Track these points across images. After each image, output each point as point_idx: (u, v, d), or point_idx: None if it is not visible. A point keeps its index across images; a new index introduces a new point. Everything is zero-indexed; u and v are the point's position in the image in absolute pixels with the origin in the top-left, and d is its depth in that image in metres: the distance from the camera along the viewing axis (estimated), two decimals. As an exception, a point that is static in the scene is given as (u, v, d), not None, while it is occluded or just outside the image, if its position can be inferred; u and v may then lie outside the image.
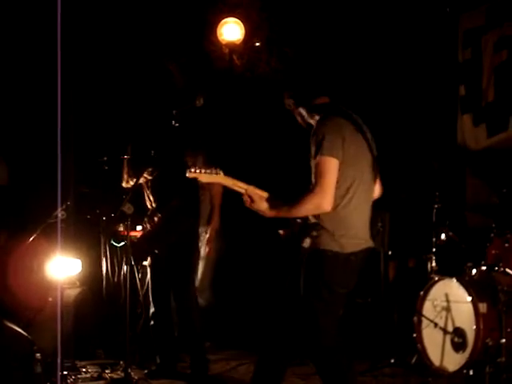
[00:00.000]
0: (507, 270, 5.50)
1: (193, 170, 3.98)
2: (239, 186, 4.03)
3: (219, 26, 7.79)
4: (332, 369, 3.99)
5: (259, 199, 3.98)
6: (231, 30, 7.80)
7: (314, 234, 3.95)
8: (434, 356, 5.61)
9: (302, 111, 4.14)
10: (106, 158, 5.41)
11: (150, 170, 5.64)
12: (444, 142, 7.06)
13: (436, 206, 6.05)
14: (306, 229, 3.99)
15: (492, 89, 6.82)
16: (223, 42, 7.84)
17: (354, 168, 3.93)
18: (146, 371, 5.72)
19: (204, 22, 7.89)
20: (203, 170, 4.00)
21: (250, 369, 5.92)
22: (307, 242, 3.98)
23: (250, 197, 3.99)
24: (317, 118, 4.06)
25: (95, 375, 5.60)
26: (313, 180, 3.89)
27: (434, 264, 5.98)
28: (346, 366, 4.02)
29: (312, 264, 3.94)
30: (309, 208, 3.88)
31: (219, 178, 4.03)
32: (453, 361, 5.45)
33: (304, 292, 3.95)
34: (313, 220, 3.96)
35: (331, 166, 3.83)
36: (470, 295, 5.42)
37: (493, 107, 6.81)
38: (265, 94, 7.47)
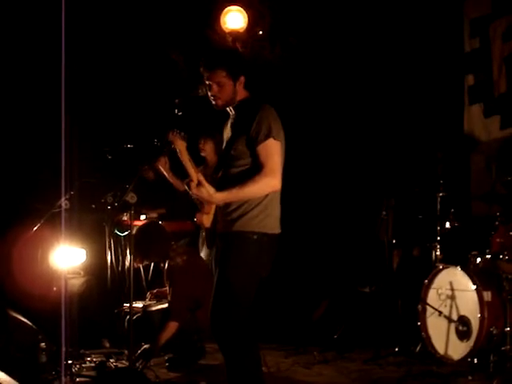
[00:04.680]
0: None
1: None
2: (192, 167, 3.98)
3: (222, 15, 7.75)
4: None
5: (207, 184, 3.91)
6: (234, 19, 7.75)
7: (235, 216, 3.95)
8: (439, 344, 5.63)
9: (231, 85, 4.10)
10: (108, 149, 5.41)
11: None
12: (448, 132, 7.03)
13: (440, 194, 6.06)
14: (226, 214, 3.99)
15: (504, 79, 6.74)
16: (227, 31, 7.80)
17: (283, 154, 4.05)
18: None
19: (207, 10, 7.86)
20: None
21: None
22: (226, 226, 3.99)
23: (199, 181, 3.92)
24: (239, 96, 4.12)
25: (100, 364, 5.60)
26: (262, 160, 3.91)
27: (438, 252, 6.00)
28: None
29: (236, 247, 3.94)
30: (262, 187, 3.93)
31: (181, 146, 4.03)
32: (457, 349, 5.46)
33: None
34: (234, 205, 3.95)
35: (279, 149, 3.97)
36: (474, 283, 5.42)
37: (506, 99, 6.72)
38: (268, 82, 7.44)
